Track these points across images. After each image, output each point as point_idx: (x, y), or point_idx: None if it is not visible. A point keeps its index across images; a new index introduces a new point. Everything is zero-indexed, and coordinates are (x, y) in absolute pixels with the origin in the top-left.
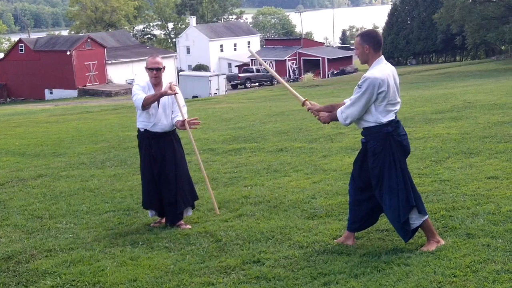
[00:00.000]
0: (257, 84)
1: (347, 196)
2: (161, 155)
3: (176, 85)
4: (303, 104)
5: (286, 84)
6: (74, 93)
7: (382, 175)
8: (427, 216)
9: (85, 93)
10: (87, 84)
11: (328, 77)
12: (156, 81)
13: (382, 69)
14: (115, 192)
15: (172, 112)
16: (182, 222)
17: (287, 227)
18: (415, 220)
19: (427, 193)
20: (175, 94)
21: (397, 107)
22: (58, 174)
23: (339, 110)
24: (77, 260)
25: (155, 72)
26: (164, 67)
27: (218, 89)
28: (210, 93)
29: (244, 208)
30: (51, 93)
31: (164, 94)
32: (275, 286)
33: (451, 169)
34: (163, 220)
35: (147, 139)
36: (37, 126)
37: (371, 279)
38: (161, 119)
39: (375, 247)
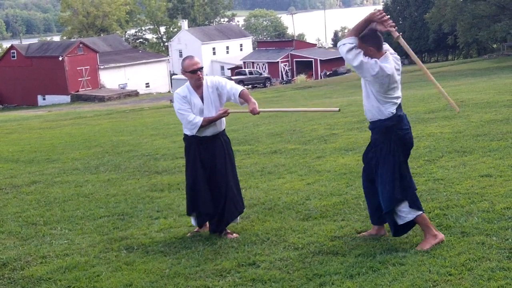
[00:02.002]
0: (250, 86)
1: (342, 197)
2: (211, 162)
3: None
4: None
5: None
6: (67, 98)
7: (378, 166)
8: (421, 212)
9: (78, 98)
10: (80, 90)
11: (320, 78)
12: (199, 82)
13: (389, 66)
14: (110, 197)
15: (226, 89)
16: (228, 231)
17: (282, 229)
18: (407, 214)
19: (421, 192)
20: (227, 114)
21: (399, 101)
22: (52, 180)
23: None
24: (72, 266)
25: (200, 73)
26: (202, 66)
27: None
28: None
29: None
30: (44, 99)
31: (218, 118)
32: None
33: (445, 168)
34: (201, 229)
35: (196, 144)
36: (30, 132)
37: (367, 279)
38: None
39: (370, 247)
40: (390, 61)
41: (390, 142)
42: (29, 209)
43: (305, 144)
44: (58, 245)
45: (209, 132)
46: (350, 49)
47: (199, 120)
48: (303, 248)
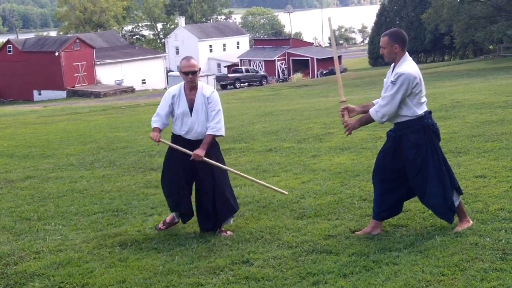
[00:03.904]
0: (246, 84)
1: (336, 196)
2: (193, 165)
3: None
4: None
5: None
6: (63, 94)
7: (425, 165)
8: (461, 194)
9: (74, 94)
10: (76, 85)
11: (317, 77)
12: (192, 85)
13: (412, 65)
14: (104, 193)
15: (209, 119)
16: (223, 229)
17: (276, 227)
18: (457, 200)
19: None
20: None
21: (425, 98)
22: (46, 176)
23: (372, 110)
24: (66, 262)
25: (191, 76)
26: (199, 69)
27: None
28: None
29: None
30: (39, 94)
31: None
32: (264, 286)
33: None
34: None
35: (180, 144)
36: (25, 128)
37: (360, 279)
38: (194, 127)
39: (363, 247)
40: (411, 61)
41: (431, 140)
42: (23, 204)
43: (300, 143)
44: (51, 240)
45: (192, 136)
46: (386, 117)
47: (155, 124)
48: (297, 247)
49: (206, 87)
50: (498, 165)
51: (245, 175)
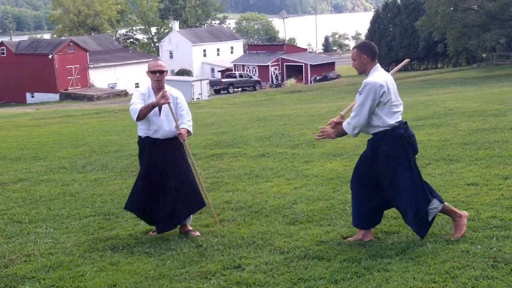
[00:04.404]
0: (239, 89)
1: (328, 202)
2: (162, 163)
3: (169, 92)
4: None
5: None
6: (56, 96)
7: (395, 175)
8: (443, 202)
9: (67, 97)
10: (69, 88)
11: (310, 83)
12: (158, 85)
13: (380, 75)
14: (96, 196)
15: (180, 118)
16: (191, 228)
17: (268, 232)
18: (437, 207)
19: None
20: (168, 103)
21: (401, 108)
22: (38, 178)
23: (345, 122)
24: (57, 265)
25: (158, 75)
26: (166, 71)
27: (201, 94)
28: (193, 98)
29: (225, 213)
30: (32, 96)
31: (156, 104)
32: None
33: (432, 175)
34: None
35: (148, 145)
36: (18, 130)
37: (351, 285)
38: (163, 125)
39: (355, 253)
40: (380, 71)
41: (404, 151)
42: (15, 206)
43: (293, 148)
44: (43, 243)
45: (160, 135)
46: (357, 129)
47: (138, 106)
48: (289, 252)
49: (173, 88)
50: (490, 173)
51: (199, 183)
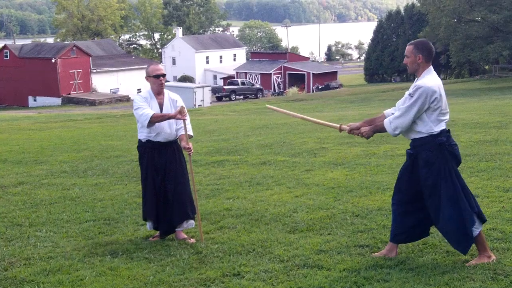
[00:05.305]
0: (241, 96)
1: (329, 211)
2: (163, 166)
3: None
4: (340, 129)
5: (317, 120)
6: (58, 101)
7: (437, 185)
8: (482, 225)
9: (69, 101)
10: (71, 92)
11: (313, 91)
12: (161, 88)
13: (433, 79)
14: (96, 201)
15: (176, 123)
16: (185, 235)
17: (268, 240)
18: (477, 228)
19: None
20: (184, 119)
21: (447, 116)
22: (39, 182)
23: (386, 120)
24: (56, 269)
25: (162, 78)
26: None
27: (203, 100)
28: (195, 105)
29: (226, 220)
30: (34, 100)
31: (173, 117)
32: None
33: None
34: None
35: (149, 149)
36: (19, 133)
37: None
38: (164, 128)
39: (355, 263)
40: (433, 74)
41: (445, 160)
42: (15, 210)
43: (294, 157)
44: (42, 247)
45: (161, 138)
46: (399, 129)
47: (150, 112)
48: (288, 261)
49: (172, 92)
50: (491, 185)
51: (193, 191)
